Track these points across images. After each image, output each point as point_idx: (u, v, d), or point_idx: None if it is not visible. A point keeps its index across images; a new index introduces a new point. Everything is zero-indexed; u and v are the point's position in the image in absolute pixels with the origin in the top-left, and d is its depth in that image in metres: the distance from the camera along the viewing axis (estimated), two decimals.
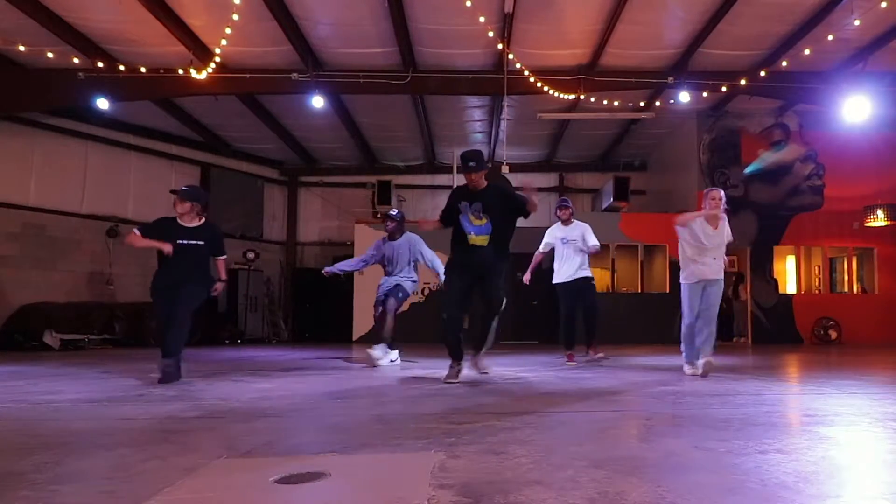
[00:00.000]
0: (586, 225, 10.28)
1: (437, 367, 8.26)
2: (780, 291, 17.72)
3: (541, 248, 10.40)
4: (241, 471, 3.12)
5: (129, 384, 6.78)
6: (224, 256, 7.87)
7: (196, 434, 4.11)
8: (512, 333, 17.15)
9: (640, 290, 17.68)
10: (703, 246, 7.98)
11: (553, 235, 10.30)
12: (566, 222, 10.25)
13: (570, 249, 10.10)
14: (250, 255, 18.77)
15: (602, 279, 18.75)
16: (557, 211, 10.38)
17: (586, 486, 2.72)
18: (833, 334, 16.90)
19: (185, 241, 7.27)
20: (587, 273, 10.22)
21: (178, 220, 7.38)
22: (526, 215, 7.23)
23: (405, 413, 4.95)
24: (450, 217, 7.38)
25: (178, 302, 7.14)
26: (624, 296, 17.68)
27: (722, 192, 8.04)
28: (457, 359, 7.25)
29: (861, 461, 3.43)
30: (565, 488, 2.70)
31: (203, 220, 7.58)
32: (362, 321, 16.81)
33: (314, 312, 19.73)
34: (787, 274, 19.16)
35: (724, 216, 8.11)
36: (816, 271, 18.91)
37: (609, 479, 2.85)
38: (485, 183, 7.31)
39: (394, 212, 10.23)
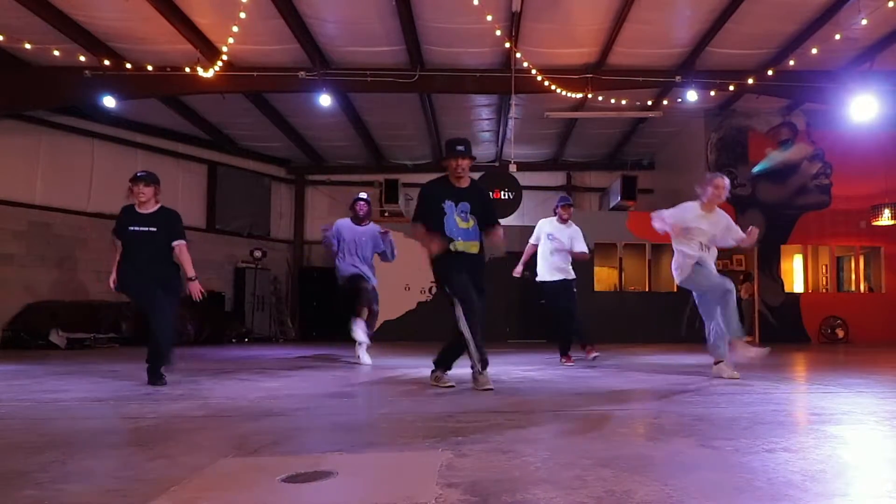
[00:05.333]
0: (579, 229, 9.99)
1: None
2: (787, 290, 17.72)
3: (532, 241, 10.06)
4: (248, 470, 3.12)
5: (136, 383, 6.78)
6: (181, 241, 7.14)
7: (203, 433, 4.11)
8: (519, 332, 17.16)
9: (647, 289, 17.68)
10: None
11: (542, 229, 9.94)
12: (564, 221, 9.90)
13: (552, 246, 9.76)
14: (257, 254, 18.80)
15: (610, 278, 18.78)
16: (559, 208, 9.94)
17: (593, 485, 2.72)
18: (840, 333, 16.86)
19: (136, 228, 6.96)
20: (570, 275, 9.87)
21: (136, 208, 7.08)
22: (493, 224, 6.57)
23: (412, 412, 4.95)
24: (427, 216, 6.41)
25: (157, 314, 6.81)
26: (631, 294, 17.68)
27: (727, 181, 7.73)
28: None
29: (868, 460, 3.43)
30: (572, 487, 2.70)
31: (159, 205, 7.19)
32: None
33: (321, 311, 19.73)
34: (795, 273, 19.15)
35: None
36: (823, 270, 18.86)
37: (616, 478, 2.84)
38: (468, 179, 6.58)
39: (364, 195, 10.15)
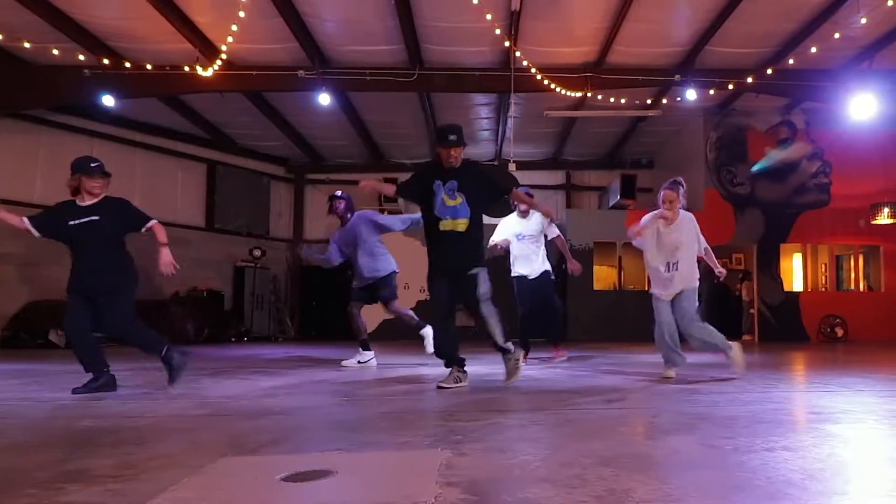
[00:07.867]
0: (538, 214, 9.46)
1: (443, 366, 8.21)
2: (786, 289, 17.72)
3: (496, 242, 9.32)
4: (247, 469, 3.12)
5: (135, 382, 6.79)
6: (151, 222, 6.63)
7: (202, 432, 4.11)
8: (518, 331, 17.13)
9: (646, 288, 17.64)
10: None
11: (510, 230, 9.43)
12: (524, 214, 9.40)
13: (527, 244, 9.35)
14: (256, 253, 18.77)
15: (609, 277, 18.74)
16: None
17: (593, 484, 2.72)
18: (839, 332, 16.84)
19: (75, 222, 6.40)
20: (547, 267, 9.52)
21: (76, 202, 6.58)
22: (500, 197, 6.82)
23: (412, 411, 4.95)
24: (413, 192, 6.73)
25: (108, 324, 6.54)
26: (631, 293, 17.63)
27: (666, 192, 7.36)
28: (459, 365, 6.51)
29: (868, 458, 3.43)
30: (572, 486, 2.69)
31: (103, 196, 6.66)
32: (370, 319, 16.75)
33: (320, 310, 19.71)
34: (794, 272, 19.13)
35: (684, 215, 7.49)
36: (823, 269, 18.85)
37: (616, 477, 2.84)
38: (460, 161, 6.56)
39: (339, 192, 9.65)
